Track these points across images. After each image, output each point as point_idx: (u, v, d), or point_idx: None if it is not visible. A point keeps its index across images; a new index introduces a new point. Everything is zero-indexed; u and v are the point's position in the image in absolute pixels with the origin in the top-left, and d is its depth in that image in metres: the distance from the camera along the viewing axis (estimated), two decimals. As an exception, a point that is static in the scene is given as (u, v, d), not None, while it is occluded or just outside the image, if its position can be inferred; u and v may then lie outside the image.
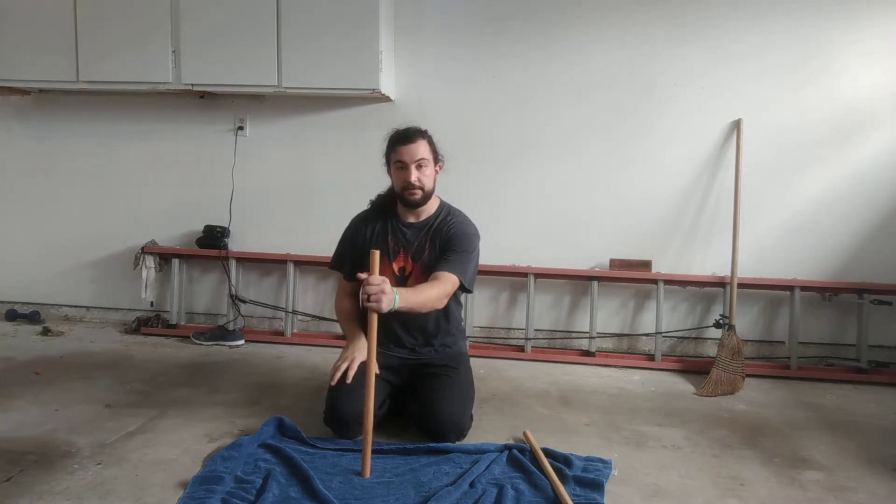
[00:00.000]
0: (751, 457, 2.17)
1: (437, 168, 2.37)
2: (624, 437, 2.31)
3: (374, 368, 1.95)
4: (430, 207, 2.39)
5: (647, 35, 3.31)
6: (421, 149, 2.27)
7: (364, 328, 2.12)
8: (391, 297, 1.93)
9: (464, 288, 2.27)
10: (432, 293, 2.14)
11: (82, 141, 3.77)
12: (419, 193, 2.29)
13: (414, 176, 2.26)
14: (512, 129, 3.45)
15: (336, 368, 2.20)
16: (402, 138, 2.28)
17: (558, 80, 3.40)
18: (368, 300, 1.90)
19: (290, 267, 3.55)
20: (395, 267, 2.34)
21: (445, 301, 2.21)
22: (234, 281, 3.60)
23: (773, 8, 3.22)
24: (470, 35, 3.44)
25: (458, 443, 2.15)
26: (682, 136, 3.34)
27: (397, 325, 2.34)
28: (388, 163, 2.35)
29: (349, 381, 2.14)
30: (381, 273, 2.30)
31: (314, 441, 2.12)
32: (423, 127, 2.35)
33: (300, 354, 3.30)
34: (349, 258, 2.40)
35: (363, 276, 1.92)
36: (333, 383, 2.17)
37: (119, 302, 3.83)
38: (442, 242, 2.31)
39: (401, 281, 2.33)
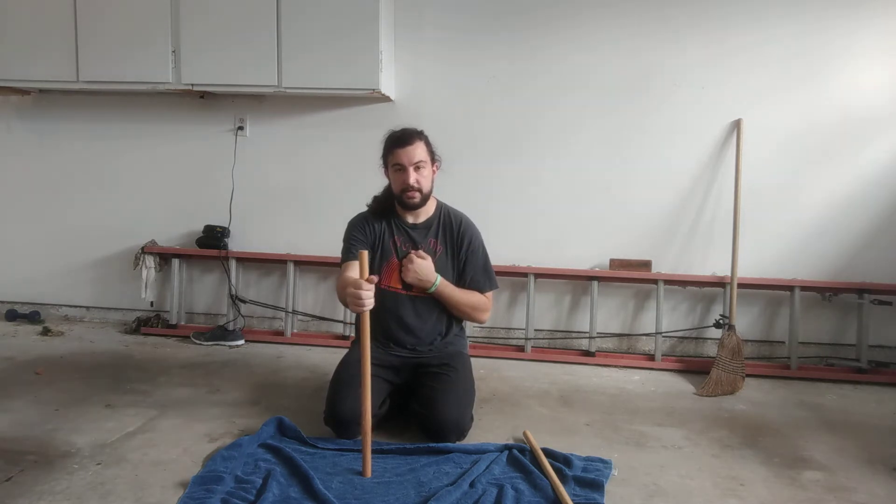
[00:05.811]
0: (751, 457, 2.17)
1: (435, 168, 2.37)
2: (624, 437, 2.31)
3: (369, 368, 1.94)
4: (429, 207, 2.40)
5: (646, 34, 3.31)
6: (419, 151, 2.27)
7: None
8: (429, 268, 2.26)
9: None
10: (472, 301, 2.37)
11: (82, 141, 3.76)
12: (418, 196, 2.30)
13: (413, 178, 2.26)
14: (512, 128, 3.45)
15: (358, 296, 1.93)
16: (399, 141, 2.27)
17: (558, 80, 3.39)
18: (408, 274, 2.19)
19: (290, 267, 3.55)
20: None
21: (483, 317, 2.43)
22: (234, 281, 3.60)
23: (774, 7, 3.21)
24: (470, 35, 3.43)
25: (458, 443, 2.15)
26: (682, 136, 3.34)
27: (397, 326, 2.34)
28: (385, 165, 2.35)
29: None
30: (391, 272, 2.35)
31: (314, 441, 2.13)
32: (420, 127, 2.35)
33: (300, 354, 3.30)
34: (358, 244, 2.30)
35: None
36: (366, 307, 1.93)
37: (119, 302, 3.83)
38: (458, 247, 2.37)
39: None
